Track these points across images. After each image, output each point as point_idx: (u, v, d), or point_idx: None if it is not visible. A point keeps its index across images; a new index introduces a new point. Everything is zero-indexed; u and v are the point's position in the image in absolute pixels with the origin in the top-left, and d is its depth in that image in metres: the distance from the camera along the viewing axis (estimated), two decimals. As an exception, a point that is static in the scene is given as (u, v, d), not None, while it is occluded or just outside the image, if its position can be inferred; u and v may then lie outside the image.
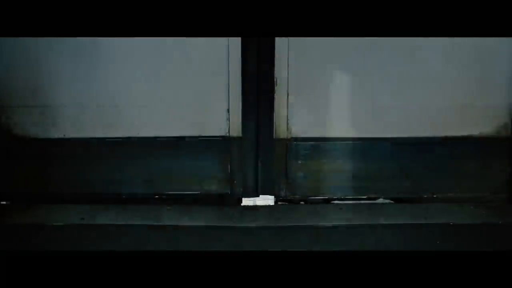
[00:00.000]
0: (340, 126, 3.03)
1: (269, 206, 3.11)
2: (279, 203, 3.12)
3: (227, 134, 3.05)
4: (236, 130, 3.04)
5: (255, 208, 3.08)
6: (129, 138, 3.05)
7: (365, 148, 3.05)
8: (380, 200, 3.10)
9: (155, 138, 3.05)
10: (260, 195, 3.13)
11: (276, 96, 2.99)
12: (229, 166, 3.08)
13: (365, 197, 3.11)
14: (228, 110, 3.01)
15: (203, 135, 3.05)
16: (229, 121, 3.03)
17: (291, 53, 2.93)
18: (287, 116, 3.02)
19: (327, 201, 3.11)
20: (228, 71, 2.94)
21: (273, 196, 3.13)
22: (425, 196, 3.10)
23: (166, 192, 3.10)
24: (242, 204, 3.12)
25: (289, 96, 2.99)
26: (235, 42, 2.90)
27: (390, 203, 3.09)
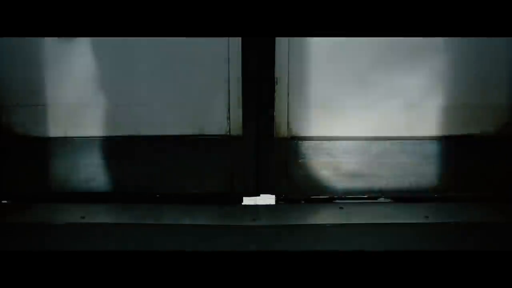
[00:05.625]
0: (341, 125, 3.03)
1: (270, 205, 3.11)
2: (280, 202, 3.12)
3: (228, 133, 3.05)
4: (236, 129, 3.03)
5: (255, 207, 3.08)
6: (130, 137, 3.05)
7: (366, 147, 3.04)
8: (381, 199, 3.10)
9: (156, 137, 3.05)
10: (261, 194, 3.13)
11: (276, 95, 2.99)
12: (230, 165, 3.08)
13: (366, 196, 3.10)
14: (228, 109, 3.01)
15: (204, 134, 3.05)
16: (229, 120, 3.02)
17: (291, 52, 2.93)
18: (288, 115, 3.02)
19: (328, 200, 3.11)
20: (229, 70, 2.94)
21: (273, 195, 3.13)
22: (426, 195, 3.09)
23: (167, 191, 3.10)
24: (243, 203, 3.12)
25: (290, 95, 2.99)
26: (235, 41, 2.89)
27: (391, 202, 3.08)
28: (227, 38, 2.87)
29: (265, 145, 3.05)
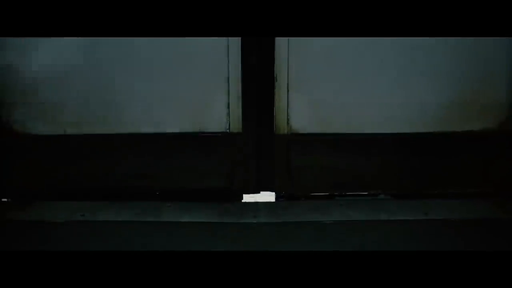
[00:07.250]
0: (340, 121, 3.02)
1: (270, 202, 3.10)
2: (280, 199, 3.11)
3: (228, 130, 3.04)
4: (236, 126, 3.03)
5: (256, 204, 3.08)
6: (129, 134, 3.04)
7: (366, 144, 3.04)
8: (381, 196, 3.09)
9: (155, 134, 3.05)
10: (261, 191, 3.13)
11: (276, 92, 2.98)
12: (229, 162, 3.08)
13: (366, 193, 3.10)
14: (228, 106, 3.00)
15: (204, 131, 3.05)
16: (229, 117, 3.02)
17: (291, 49, 2.92)
18: (287, 111, 3.01)
19: (328, 197, 3.10)
20: (228, 67, 2.94)
21: (274, 192, 3.12)
22: (427, 192, 3.08)
23: (167, 189, 3.10)
24: (243, 201, 3.12)
25: (289, 92, 2.98)
26: (236, 38, 2.88)
27: (391, 199, 3.08)
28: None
29: (265, 142, 3.05)
